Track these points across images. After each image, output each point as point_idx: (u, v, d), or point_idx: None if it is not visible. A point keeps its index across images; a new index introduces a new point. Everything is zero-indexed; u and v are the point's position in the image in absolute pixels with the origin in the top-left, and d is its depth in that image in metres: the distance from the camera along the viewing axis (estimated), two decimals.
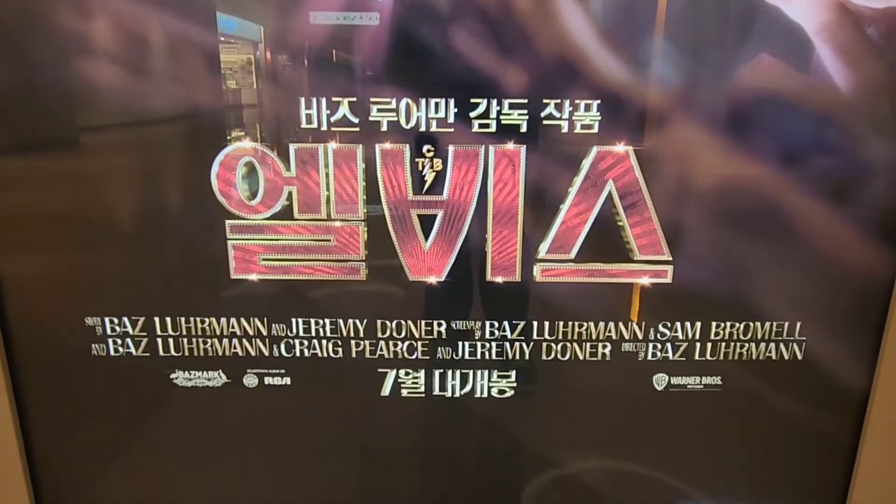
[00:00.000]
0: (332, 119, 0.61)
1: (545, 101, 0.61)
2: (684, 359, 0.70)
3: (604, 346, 0.69)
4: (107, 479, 0.73)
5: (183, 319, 0.68)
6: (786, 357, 0.69)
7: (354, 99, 0.61)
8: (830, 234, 0.65)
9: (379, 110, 0.61)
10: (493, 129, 0.62)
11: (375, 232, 0.64)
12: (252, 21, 0.59)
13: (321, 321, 0.68)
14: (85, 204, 0.64)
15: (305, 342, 0.69)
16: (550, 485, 0.75)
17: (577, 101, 0.61)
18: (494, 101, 0.61)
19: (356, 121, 0.62)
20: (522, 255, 0.66)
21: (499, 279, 0.66)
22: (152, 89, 0.60)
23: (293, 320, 0.68)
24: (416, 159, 0.63)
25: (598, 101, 0.61)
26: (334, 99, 0.61)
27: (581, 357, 0.69)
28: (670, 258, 0.66)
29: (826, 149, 0.63)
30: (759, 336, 0.68)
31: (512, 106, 0.61)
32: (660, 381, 0.70)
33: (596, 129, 0.62)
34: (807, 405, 0.71)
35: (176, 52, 0.59)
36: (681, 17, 0.59)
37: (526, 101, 0.61)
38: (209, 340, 0.68)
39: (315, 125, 0.61)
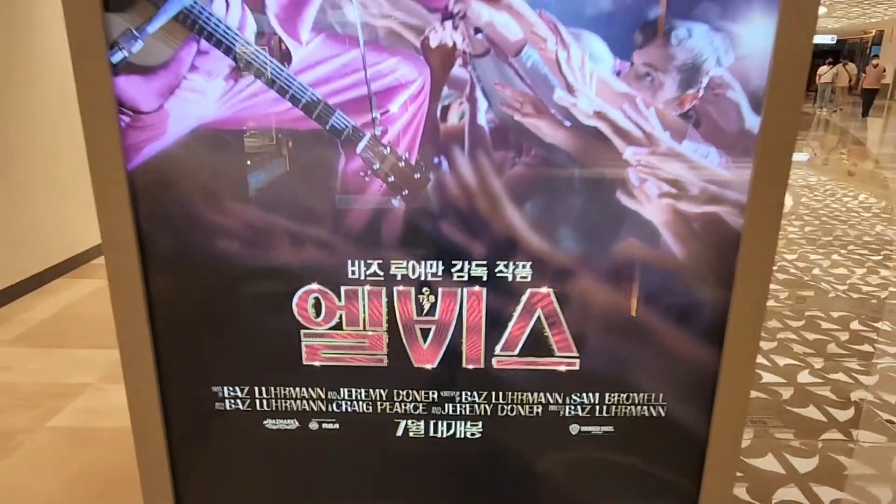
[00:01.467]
0: (367, 273, 1.01)
1: (497, 262, 1.00)
2: (591, 414, 1.09)
3: (537, 407, 1.08)
4: (223, 485, 1.14)
5: (274, 388, 1.08)
6: (654, 414, 1.08)
7: (381, 261, 1.00)
8: (676, 341, 1.03)
9: (396, 268, 1.00)
10: (466, 278, 1.01)
11: (394, 340, 1.04)
12: None
13: (359, 389, 1.08)
14: (215, 320, 1.04)
15: (348, 402, 1.09)
16: (503, 488, 1.14)
17: (517, 262, 1.00)
18: (467, 262, 1.00)
19: (382, 273, 1.01)
20: (485, 352, 1.05)
21: (470, 366, 1.06)
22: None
23: (341, 389, 1.08)
24: (418, 296, 1.02)
25: (531, 262, 1.00)
26: (368, 261, 1.00)
27: (522, 414, 1.08)
28: (577, 354, 1.05)
29: (672, 291, 1.01)
30: (636, 401, 1.07)
31: (477, 265, 1.00)
32: (573, 428, 1.09)
33: (529, 279, 1.01)
34: (668, 444, 1.10)
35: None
36: (578, 215, 0.98)
37: (486, 262, 1.00)
38: (289, 402, 1.08)
39: (357, 276, 1.01)
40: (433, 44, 0.91)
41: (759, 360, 2.61)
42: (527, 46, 0.90)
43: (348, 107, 0.94)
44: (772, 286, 3.39)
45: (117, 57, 0.90)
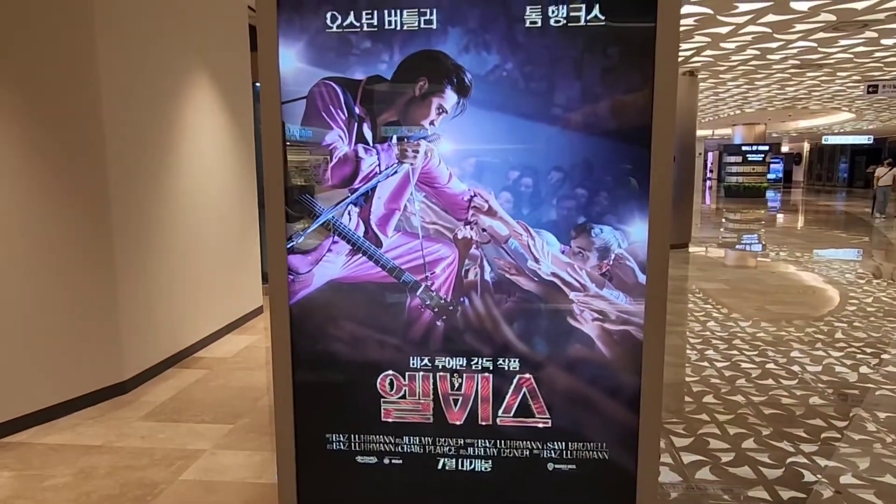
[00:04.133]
0: (421, 364, 1.70)
1: (499, 358, 1.68)
2: (560, 456, 1.72)
3: (526, 451, 1.72)
4: (329, 497, 1.79)
5: (363, 435, 1.75)
6: (601, 457, 1.70)
7: (430, 357, 1.70)
8: (610, 409, 1.67)
9: (438, 361, 1.70)
10: (480, 368, 1.69)
11: (437, 406, 1.71)
12: None
13: (415, 437, 1.74)
14: (329, 392, 1.74)
15: (408, 446, 1.75)
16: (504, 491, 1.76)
17: (510, 359, 1.68)
18: (480, 359, 1.69)
19: (430, 365, 1.70)
20: (492, 414, 1.71)
21: (483, 423, 1.72)
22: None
23: (404, 437, 1.75)
24: (451, 378, 1.70)
25: (519, 359, 1.68)
26: (422, 357, 1.70)
27: (517, 455, 1.72)
28: (550, 416, 1.69)
29: (605, 377, 1.66)
30: (589, 448, 1.70)
31: (486, 360, 1.69)
32: (549, 465, 1.72)
33: (518, 369, 1.68)
34: (611, 475, 1.70)
35: None
36: (546, 331, 1.66)
37: (492, 358, 1.68)
38: (372, 445, 1.75)
39: (415, 366, 1.70)
40: (460, 237, 1.65)
41: (800, 459, 2.73)
42: (511, 238, 1.64)
43: (412, 270, 1.67)
44: (817, 385, 3.67)
45: (289, 245, 1.68)
